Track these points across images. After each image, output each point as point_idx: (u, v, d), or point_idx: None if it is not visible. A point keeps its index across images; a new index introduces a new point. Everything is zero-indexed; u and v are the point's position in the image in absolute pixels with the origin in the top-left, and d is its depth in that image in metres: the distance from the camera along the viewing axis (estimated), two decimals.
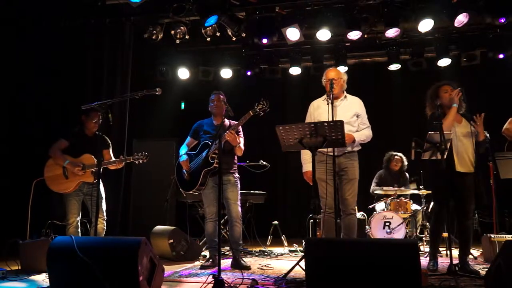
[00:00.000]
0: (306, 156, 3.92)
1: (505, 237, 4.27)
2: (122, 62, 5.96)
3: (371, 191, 6.05)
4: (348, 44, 6.54)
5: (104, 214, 4.17)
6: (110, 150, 4.36)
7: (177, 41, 5.93)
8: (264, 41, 5.96)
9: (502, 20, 5.38)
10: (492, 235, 4.30)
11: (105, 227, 4.17)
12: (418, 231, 5.57)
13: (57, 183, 4.10)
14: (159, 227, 4.89)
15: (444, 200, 3.61)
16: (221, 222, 5.21)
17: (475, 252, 4.83)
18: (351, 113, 3.84)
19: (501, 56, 6.26)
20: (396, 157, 6.05)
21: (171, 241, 4.50)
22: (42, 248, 3.46)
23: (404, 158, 6.02)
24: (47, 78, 5.57)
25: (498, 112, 5.48)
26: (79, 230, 4.18)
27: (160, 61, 6.99)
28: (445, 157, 3.25)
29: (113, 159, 4.25)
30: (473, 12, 5.39)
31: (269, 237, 6.02)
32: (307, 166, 3.91)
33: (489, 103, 6.92)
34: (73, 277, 2.55)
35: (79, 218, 4.17)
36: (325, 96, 3.96)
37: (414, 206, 5.57)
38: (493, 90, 6.88)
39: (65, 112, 5.57)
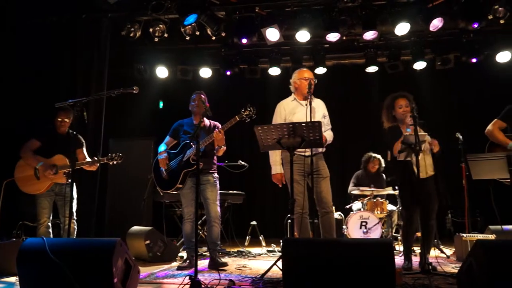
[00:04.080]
0: (276, 157, 3.95)
1: (477, 236, 4.38)
2: (99, 59, 5.84)
3: (348, 191, 6.13)
4: (327, 45, 6.60)
5: (75, 214, 4.08)
6: (84, 149, 4.26)
7: (156, 39, 5.86)
8: (244, 41, 5.95)
9: (475, 25, 5.54)
10: (464, 235, 4.41)
11: (76, 228, 4.08)
12: (394, 230, 5.67)
13: (28, 184, 3.98)
14: (135, 227, 4.83)
15: (411, 204, 3.70)
16: (199, 222, 5.20)
17: (448, 251, 4.95)
18: (320, 114, 3.93)
19: (474, 60, 6.42)
20: (375, 159, 6.15)
21: (148, 242, 4.45)
22: (13, 250, 3.35)
23: (382, 160, 6.12)
24: (16, 76, 5.40)
25: (470, 114, 5.67)
26: (51, 231, 4.07)
27: (138, 59, 6.88)
28: (417, 159, 3.31)
29: (88, 158, 4.17)
30: (447, 17, 5.52)
31: (247, 237, 6.03)
32: (276, 168, 3.95)
33: (462, 106, 7.16)
34: (45, 279, 2.48)
35: (50, 218, 4.06)
36: (293, 96, 4.00)
37: (390, 207, 5.68)
38: (466, 93, 7.09)
39: (37, 111, 5.42)
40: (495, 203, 4.41)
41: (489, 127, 3.90)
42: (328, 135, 3.91)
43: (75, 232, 4.07)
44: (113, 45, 6.00)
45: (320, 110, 3.95)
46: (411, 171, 3.55)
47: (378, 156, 6.14)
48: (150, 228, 4.64)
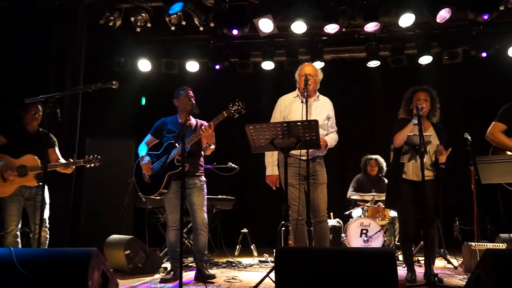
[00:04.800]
0: (271, 158, 3.95)
1: (486, 245, 4.40)
2: (74, 51, 5.79)
3: (348, 196, 6.15)
4: (325, 38, 6.62)
5: (47, 222, 4.03)
6: (56, 148, 4.22)
7: (138, 29, 5.84)
8: (235, 32, 5.94)
9: (486, 17, 5.58)
10: (473, 244, 4.43)
11: (48, 236, 4.04)
12: (397, 239, 5.70)
13: None
14: (114, 236, 4.79)
15: (408, 206, 3.72)
16: (184, 230, 5.17)
17: (455, 261, 4.98)
18: (323, 116, 3.92)
19: (484, 54, 6.48)
20: (371, 160, 6.17)
21: (128, 252, 4.41)
22: None
23: (381, 161, 6.14)
24: None
25: (481, 113, 5.71)
26: (19, 240, 4.02)
27: (118, 51, 6.85)
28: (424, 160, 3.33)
29: (61, 158, 4.13)
30: (455, 8, 5.57)
31: (238, 246, 6.01)
32: (271, 170, 3.97)
33: (471, 104, 7.21)
34: None
35: (19, 227, 4.01)
36: (296, 92, 4.00)
37: (393, 213, 5.70)
38: (476, 90, 7.15)
39: (4, 107, 5.36)
40: (506, 209, 4.46)
41: (491, 131, 3.90)
42: (330, 138, 3.90)
43: (47, 242, 4.03)
44: (90, 35, 5.96)
45: (324, 110, 3.94)
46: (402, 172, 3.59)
47: (375, 157, 6.16)
48: (130, 236, 4.61)
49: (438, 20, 5.62)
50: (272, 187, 4.01)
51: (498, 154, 3.84)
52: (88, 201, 6.21)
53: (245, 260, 5.47)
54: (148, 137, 4.27)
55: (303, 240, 3.73)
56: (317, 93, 4.01)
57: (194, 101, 3.94)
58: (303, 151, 3.71)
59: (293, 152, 3.67)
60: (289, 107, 3.97)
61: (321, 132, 3.79)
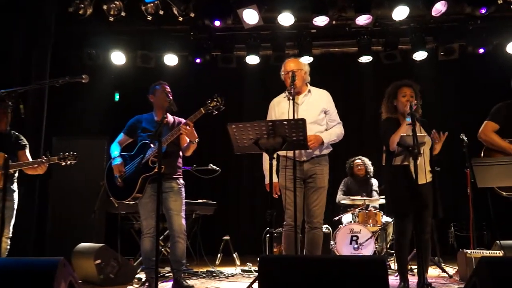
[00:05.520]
0: (268, 165, 3.92)
1: (483, 253, 4.48)
2: (41, 41, 5.71)
3: (337, 200, 6.20)
4: (314, 31, 6.66)
5: (10, 230, 3.97)
6: (27, 151, 4.19)
7: (111, 19, 5.78)
8: (217, 23, 5.94)
9: (483, 11, 5.69)
10: (469, 251, 4.50)
11: (8, 247, 3.98)
12: (389, 246, 5.76)
13: None
14: (83, 244, 4.75)
15: (406, 212, 3.77)
16: (161, 237, 5.14)
17: (450, 269, 5.07)
18: (317, 110, 3.90)
19: (482, 50, 6.58)
20: (356, 161, 6.29)
21: (98, 261, 4.38)
22: None
23: (367, 161, 6.29)
24: None
25: (478, 113, 5.79)
26: None
27: (89, 42, 6.78)
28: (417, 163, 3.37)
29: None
30: (452, 1, 5.66)
31: (219, 255, 6.01)
32: (270, 178, 3.90)
33: (468, 102, 7.33)
34: None
35: None
36: (286, 93, 4.00)
37: (385, 218, 5.77)
38: (473, 88, 7.27)
39: None
40: (503, 215, 4.55)
41: (483, 130, 3.98)
42: (332, 133, 3.87)
43: (7, 252, 3.96)
44: (58, 24, 5.88)
45: (319, 105, 3.92)
46: (410, 176, 3.61)
47: (359, 157, 6.34)
48: (101, 245, 4.58)
49: (433, 13, 5.70)
50: (273, 195, 3.91)
51: (491, 156, 3.91)
52: (55, 206, 6.16)
53: (227, 270, 5.48)
54: (121, 136, 4.23)
55: (291, 248, 3.74)
56: (308, 86, 4.00)
57: (171, 98, 3.92)
58: (302, 152, 3.73)
59: (290, 153, 3.68)
60: (278, 108, 3.98)
61: (317, 128, 3.82)
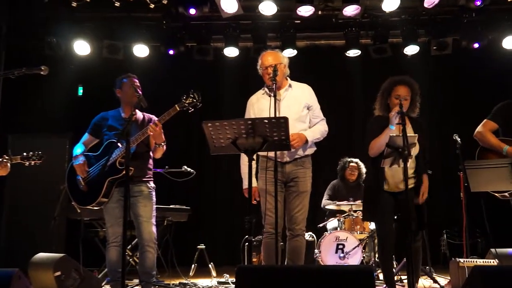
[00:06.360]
0: (247, 168, 3.92)
1: (476, 261, 4.56)
2: None
3: (322, 205, 6.24)
4: (298, 21, 6.70)
5: None
6: None
7: (74, 4, 5.73)
8: (192, 11, 5.93)
9: (478, 3, 5.81)
10: (462, 260, 4.57)
11: None
12: (377, 255, 5.83)
13: None
14: (41, 254, 4.68)
15: (389, 218, 3.83)
16: (128, 247, 5.10)
17: (442, 280, 5.16)
18: (300, 106, 3.92)
19: (476, 45, 6.72)
20: (351, 164, 6.29)
21: (58, 273, 4.33)
22: None
23: (362, 165, 6.28)
24: None
25: (472, 111, 5.92)
26: None
27: (49, 30, 6.69)
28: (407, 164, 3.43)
29: None
30: None
31: (193, 265, 6.00)
32: (249, 181, 3.89)
33: (461, 100, 7.47)
34: None
35: None
36: (264, 89, 4.01)
37: (373, 225, 5.83)
38: (467, 85, 7.41)
39: None
40: (498, 220, 4.64)
41: (479, 129, 4.09)
42: (316, 131, 3.90)
43: None
44: (14, 10, 5.79)
45: (301, 100, 3.93)
46: (383, 179, 3.72)
47: (356, 161, 6.31)
48: (61, 255, 4.52)
49: (426, 5, 5.80)
50: (252, 201, 3.90)
51: (485, 157, 4.00)
52: (9, 212, 6.12)
53: (202, 282, 5.50)
54: (86, 136, 4.19)
55: (272, 257, 3.75)
56: (289, 80, 4.02)
57: (141, 92, 3.89)
58: (284, 152, 3.73)
59: (271, 154, 3.68)
60: (257, 105, 3.98)
61: (301, 125, 3.84)
